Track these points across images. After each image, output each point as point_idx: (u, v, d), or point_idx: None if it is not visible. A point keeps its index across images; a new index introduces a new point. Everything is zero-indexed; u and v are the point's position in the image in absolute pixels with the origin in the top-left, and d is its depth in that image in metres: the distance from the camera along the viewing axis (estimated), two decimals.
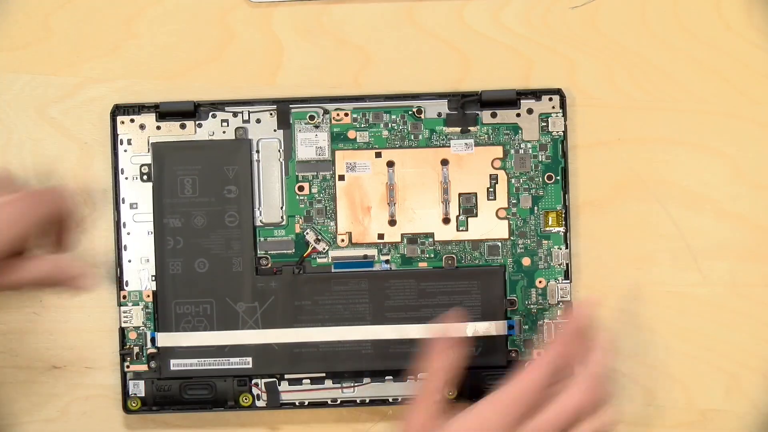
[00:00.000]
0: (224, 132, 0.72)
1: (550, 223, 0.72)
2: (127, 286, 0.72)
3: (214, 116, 0.72)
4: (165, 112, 0.72)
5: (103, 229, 0.73)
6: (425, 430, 0.63)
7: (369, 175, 0.72)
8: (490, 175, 0.72)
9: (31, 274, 0.65)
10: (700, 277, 0.73)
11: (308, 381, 0.72)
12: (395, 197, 0.72)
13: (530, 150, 0.72)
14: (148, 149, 0.72)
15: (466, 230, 0.72)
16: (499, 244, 0.72)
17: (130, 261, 0.72)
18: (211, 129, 0.72)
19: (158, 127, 0.72)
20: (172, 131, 0.72)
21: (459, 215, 0.72)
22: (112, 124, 0.72)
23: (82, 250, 0.73)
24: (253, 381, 0.72)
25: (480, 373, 0.72)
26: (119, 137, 0.72)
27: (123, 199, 0.72)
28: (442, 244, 0.72)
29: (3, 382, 0.73)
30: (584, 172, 0.73)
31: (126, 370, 0.72)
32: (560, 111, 0.72)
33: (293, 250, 0.72)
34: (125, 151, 0.72)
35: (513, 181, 0.72)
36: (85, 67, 0.73)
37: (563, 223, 0.72)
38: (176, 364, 0.71)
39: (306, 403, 0.72)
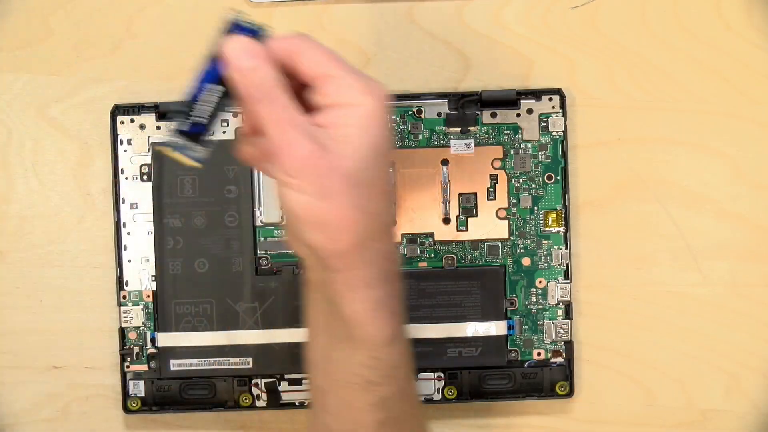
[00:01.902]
0: (224, 132, 0.72)
1: (550, 223, 0.72)
2: (127, 286, 0.72)
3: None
4: (165, 112, 0.72)
5: (103, 229, 0.73)
6: (313, 159, 0.53)
7: None
8: (490, 175, 0.72)
9: None
10: (700, 277, 0.73)
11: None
12: (395, 197, 0.72)
13: (530, 150, 0.72)
14: (148, 149, 0.72)
15: (466, 230, 0.72)
16: (499, 244, 0.72)
17: (130, 261, 0.72)
18: (211, 129, 0.72)
19: (158, 127, 0.72)
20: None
21: (459, 215, 0.72)
22: (112, 124, 0.72)
23: (82, 250, 0.73)
24: (253, 381, 0.72)
25: (480, 373, 0.72)
26: (119, 137, 0.72)
27: (123, 199, 0.72)
28: (442, 244, 0.72)
29: (3, 382, 0.73)
30: (584, 172, 0.73)
31: (126, 370, 0.72)
32: (560, 111, 0.72)
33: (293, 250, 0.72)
34: (125, 151, 0.72)
35: (513, 181, 0.72)
36: (85, 67, 0.73)
37: (563, 223, 0.72)
38: (176, 364, 0.71)
39: (306, 403, 0.72)
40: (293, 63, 0.55)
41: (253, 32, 0.54)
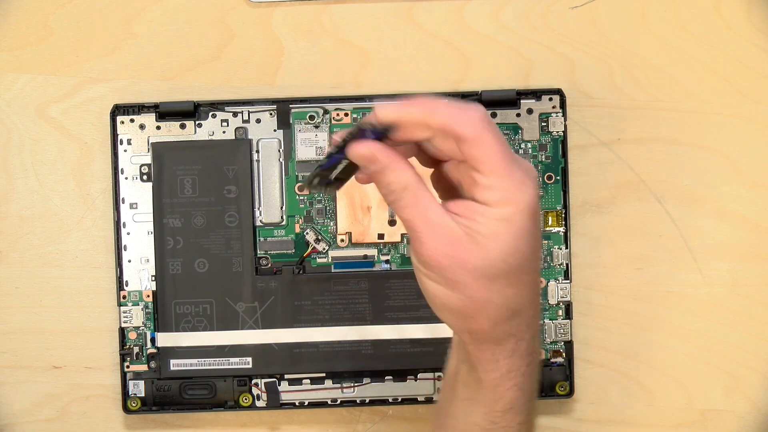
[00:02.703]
0: (224, 132, 0.72)
1: (550, 223, 0.72)
2: (127, 286, 0.72)
3: (214, 116, 0.72)
4: (165, 112, 0.72)
5: (103, 229, 0.73)
6: (455, 251, 0.54)
7: None
8: None
9: None
10: (700, 277, 0.73)
11: (308, 381, 0.72)
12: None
13: (530, 150, 0.72)
14: (148, 149, 0.72)
15: None
16: None
17: (130, 261, 0.72)
18: (211, 129, 0.72)
19: (158, 127, 0.72)
20: (172, 131, 0.72)
21: None
22: (112, 124, 0.72)
23: (82, 250, 0.73)
24: (253, 381, 0.72)
25: None
26: (119, 137, 0.72)
27: (123, 199, 0.72)
28: None
29: (3, 382, 0.73)
30: (584, 172, 0.73)
31: (126, 370, 0.72)
32: (560, 111, 0.72)
33: (293, 250, 0.72)
34: (125, 151, 0.72)
35: None
36: (85, 67, 0.73)
37: (563, 223, 0.72)
38: (176, 364, 0.71)
39: (306, 403, 0.72)
40: (445, 132, 0.54)
41: (380, 132, 0.55)
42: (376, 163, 0.54)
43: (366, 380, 0.72)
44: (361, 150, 0.54)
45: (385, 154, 0.54)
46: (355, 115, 0.72)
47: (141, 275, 0.72)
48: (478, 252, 0.53)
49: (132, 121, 0.72)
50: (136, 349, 0.72)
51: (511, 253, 0.53)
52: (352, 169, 0.56)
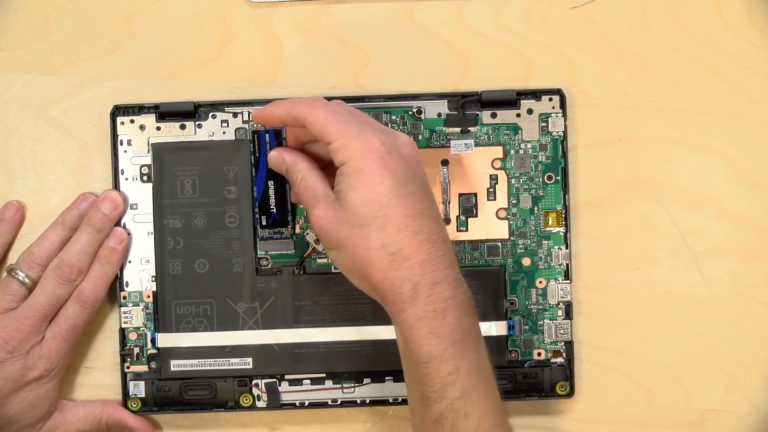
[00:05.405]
0: (224, 132, 0.72)
1: (550, 223, 0.72)
2: (127, 286, 0.72)
3: (214, 117, 0.72)
4: (165, 113, 0.72)
5: None
6: (330, 220, 0.62)
7: None
8: (490, 175, 0.72)
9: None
10: (700, 277, 0.73)
11: (308, 381, 0.72)
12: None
13: (530, 150, 0.72)
14: (148, 150, 0.72)
15: (466, 230, 0.72)
16: (499, 244, 0.72)
17: (130, 261, 0.72)
18: (211, 129, 0.72)
19: (158, 128, 0.72)
20: (172, 132, 0.72)
21: (459, 215, 0.72)
22: (112, 124, 0.72)
23: None
24: (254, 381, 0.72)
25: None
26: (119, 138, 0.72)
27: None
28: None
29: None
30: (584, 172, 0.73)
31: (126, 370, 0.72)
32: (560, 111, 0.72)
33: (293, 251, 0.72)
34: (125, 151, 0.72)
35: (513, 181, 0.72)
36: (85, 67, 0.73)
37: (563, 223, 0.72)
38: (176, 365, 0.71)
39: (306, 404, 0.72)
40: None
41: (275, 132, 0.67)
42: (284, 162, 0.65)
43: (366, 380, 0.72)
44: (271, 155, 0.66)
45: (287, 152, 0.65)
46: None
47: (141, 276, 0.72)
48: (344, 207, 0.61)
49: (132, 121, 0.72)
50: (136, 350, 0.72)
51: (370, 198, 0.60)
52: (280, 190, 0.68)
